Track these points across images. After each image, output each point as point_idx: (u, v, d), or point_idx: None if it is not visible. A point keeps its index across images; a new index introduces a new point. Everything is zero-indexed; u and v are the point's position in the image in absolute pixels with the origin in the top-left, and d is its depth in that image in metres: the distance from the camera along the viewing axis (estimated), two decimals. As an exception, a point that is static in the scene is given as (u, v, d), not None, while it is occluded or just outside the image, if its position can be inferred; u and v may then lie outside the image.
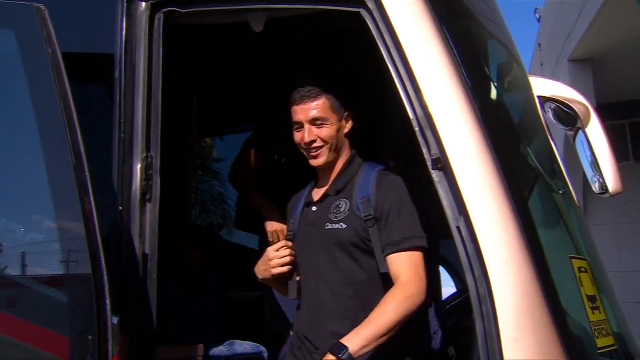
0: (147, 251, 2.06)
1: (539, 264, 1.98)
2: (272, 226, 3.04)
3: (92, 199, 1.77)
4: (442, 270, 3.79)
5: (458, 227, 1.99)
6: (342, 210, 2.28)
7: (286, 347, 2.45)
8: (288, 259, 2.30)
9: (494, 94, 2.41)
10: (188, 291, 3.82)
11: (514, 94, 2.74)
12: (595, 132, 2.66)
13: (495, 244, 1.96)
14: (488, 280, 1.92)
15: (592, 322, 2.15)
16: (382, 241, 2.20)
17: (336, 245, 2.24)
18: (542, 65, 11.24)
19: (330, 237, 2.26)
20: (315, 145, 2.31)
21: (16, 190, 1.95)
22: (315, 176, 2.47)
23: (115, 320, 1.77)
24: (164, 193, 2.12)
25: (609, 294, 2.48)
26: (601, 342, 2.15)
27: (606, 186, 2.62)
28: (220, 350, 3.63)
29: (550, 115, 2.77)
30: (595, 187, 2.68)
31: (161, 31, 2.20)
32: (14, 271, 1.93)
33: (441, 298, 3.56)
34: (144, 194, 2.08)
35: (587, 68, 8.60)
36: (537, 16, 12.02)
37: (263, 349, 3.68)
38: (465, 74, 2.14)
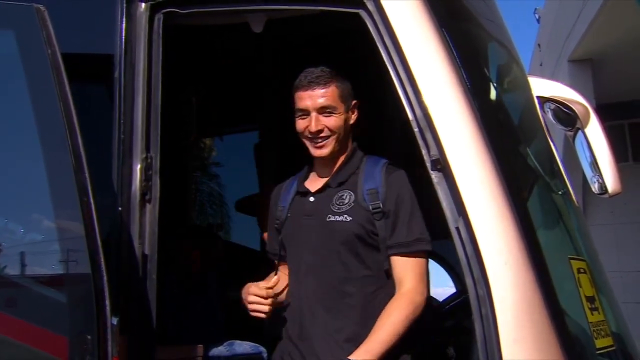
0: (147, 251, 2.05)
1: (538, 264, 1.98)
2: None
3: (91, 199, 1.76)
4: (442, 270, 3.80)
5: (457, 228, 1.98)
6: (345, 201, 2.17)
7: (276, 357, 2.29)
8: (266, 309, 2.14)
9: (493, 94, 2.40)
10: (188, 291, 3.83)
11: (513, 94, 2.74)
12: (595, 132, 2.65)
13: (494, 245, 1.95)
14: (487, 281, 1.92)
15: (590, 322, 2.15)
16: (390, 239, 2.13)
17: (338, 238, 2.13)
18: (541, 65, 11.26)
19: (332, 230, 2.14)
20: (322, 135, 2.18)
21: (16, 190, 1.95)
22: (308, 165, 2.35)
23: (115, 320, 1.76)
24: (164, 193, 2.11)
25: (608, 295, 2.48)
26: (600, 343, 2.15)
27: (605, 186, 2.61)
28: (219, 350, 3.63)
29: (550, 115, 2.76)
30: (595, 188, 2.67)
31: (161, 32, 2.19)
32: (13, 271, 1.93)
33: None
34: (143, 194, 2.08)
35: (587, 68, 8.60)
36: (537, 16, 12.04)
37: (262, 349, 3.68)
38: (464, 75, 2.13)
